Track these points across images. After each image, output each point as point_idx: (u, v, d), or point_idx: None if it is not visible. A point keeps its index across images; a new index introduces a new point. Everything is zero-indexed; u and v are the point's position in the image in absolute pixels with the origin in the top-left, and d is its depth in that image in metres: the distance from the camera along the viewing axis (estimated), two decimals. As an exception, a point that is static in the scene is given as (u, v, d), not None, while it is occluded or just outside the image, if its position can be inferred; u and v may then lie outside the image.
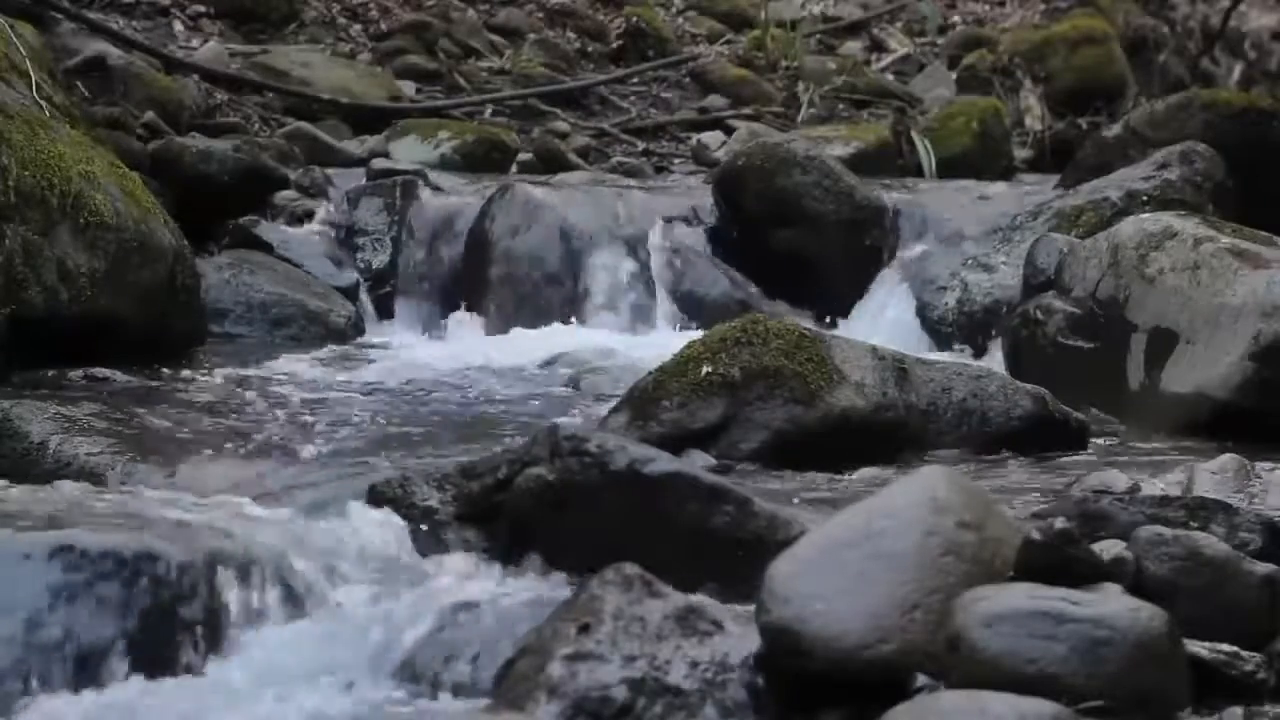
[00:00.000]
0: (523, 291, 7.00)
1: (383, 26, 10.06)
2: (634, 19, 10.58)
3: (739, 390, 4.62)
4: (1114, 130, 7.63)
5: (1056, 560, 3.09)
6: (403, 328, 6.99)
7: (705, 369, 4.66)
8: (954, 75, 10.51)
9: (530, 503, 3.57)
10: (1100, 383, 5.40)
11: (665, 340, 6.33)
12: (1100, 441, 4.99)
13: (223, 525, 3.56)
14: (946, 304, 6.53)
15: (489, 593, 3.42)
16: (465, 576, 3.52)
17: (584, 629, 3.01)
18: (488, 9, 10.53)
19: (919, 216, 7.18)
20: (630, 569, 3.11)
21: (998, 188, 7.94)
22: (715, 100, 9.93)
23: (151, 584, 3.22)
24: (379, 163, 7.83)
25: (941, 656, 2.94)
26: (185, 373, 5.66)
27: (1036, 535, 3.10)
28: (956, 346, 6.39)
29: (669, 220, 7.23)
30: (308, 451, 4.66)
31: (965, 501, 3.15)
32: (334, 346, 6.39)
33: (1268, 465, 4.35)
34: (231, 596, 3.30)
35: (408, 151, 8.33)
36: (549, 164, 8.47)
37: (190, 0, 9.73)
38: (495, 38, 10.28)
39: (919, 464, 4.50)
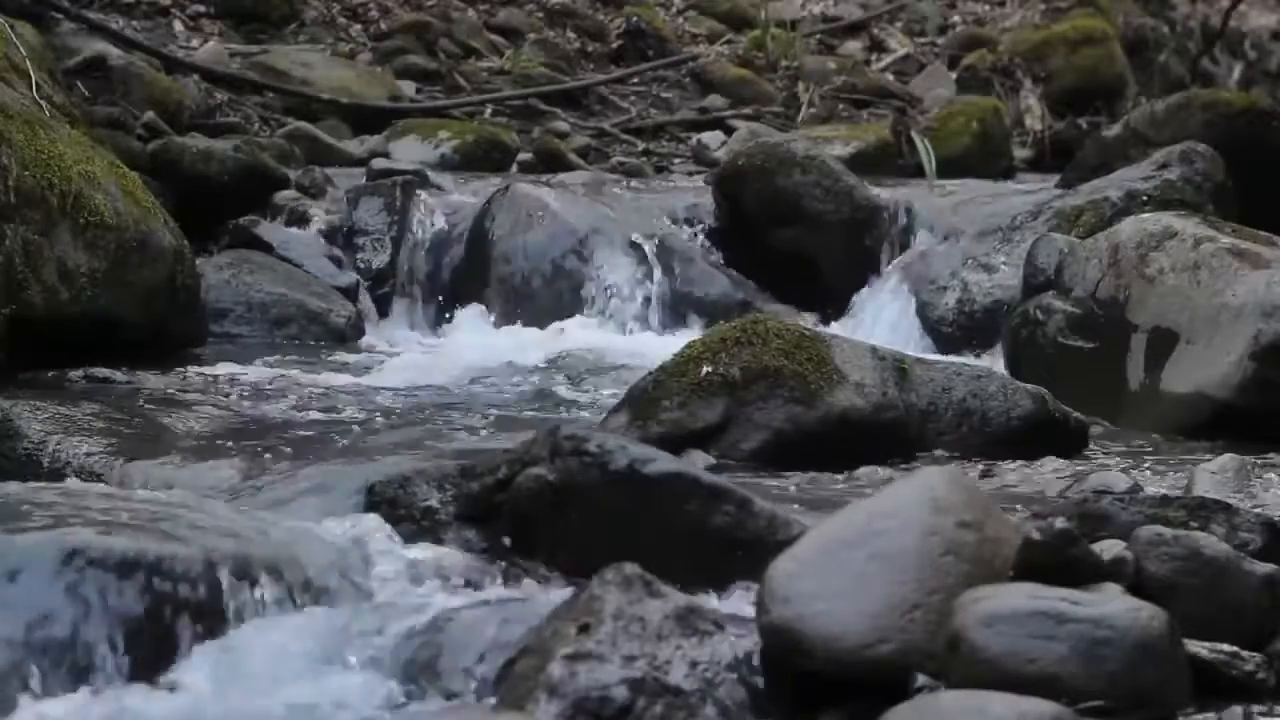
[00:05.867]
0: (522, 291, 6.99)
1: (383, 26, 10.07)
2: (634, 19, 10.59)
3: (739, 390, 4.62)
4: (1114, 130, 7.64)
5: (1056, 560, 3.09)
6: (402, 328, 6.99)
7: (705, 369, 4.66)
8: (954, 75, 10.52)
9: (530, 503, 3.57)
10: (1100, 383, 5.40)
11: (665, 340, 6.34)
12: (1100, 441, 4.99)
13: (222, 525, 3.56)
14: (946, 304, 6.53)
15: (489, 593, 3.42)
16: (465, 576, 3.52)
17: (584, 629, 3.01)
18: (488, 9, 10.53)
19: (919, 216, 7.18)
20: (630, 569, 3.11)
21: (998, 187, 7.94)
22: (715, 100, 9.93)
23: (150, 584, 3.22)
24: (379, 163, 7.84)
25: (941, 656, 2.94)
26: (185, 373, 5.66)
27: (1036, 535, 3.10)
28: (957, 346, 6.39)
29: (669, 220, 7.23)
30: (307, 451, 4.66)
31: (965, 501, 3.15)
32: (334, 346, 6.39)
33: (1268, 465, 4.36)
34: (230, 596, 3.30)
35: (408, 151, 8.34)
36: (549, 164, 8.48)
37: (190, 0, 9.73)
38: (495, 38, 10.29)
39: (919, 464, 4.50)
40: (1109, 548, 3.20)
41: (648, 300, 6.98)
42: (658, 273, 7.03)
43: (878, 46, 11.13)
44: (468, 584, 3.49)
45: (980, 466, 4.60)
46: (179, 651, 3.20)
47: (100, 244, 5.74)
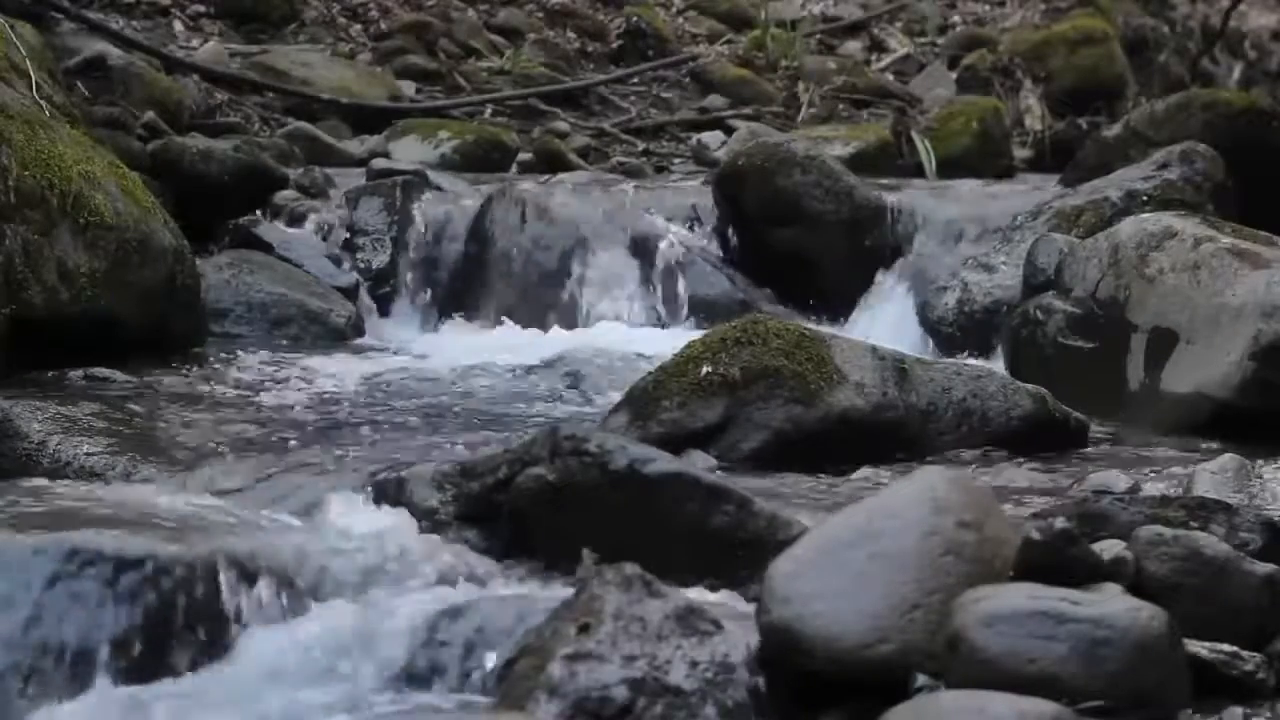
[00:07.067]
0: (522, 291, 7.00)
1: (383, 26, 10.07)
2: (634, 19, 10.59)
3: (739, 390, 4.62)
4: (1114, 130, 7.63)
5: (1056, 560, 3.09)
6: (402, 327, 6.99)
7: (705, 369, 4.66)
8: (954, 75, 10.52)
9: (530, 503, 3.57)
10: (1100, 383, 5.39)
11: (665, 340, 6.34)
12: (1100, 441, 4.99)
13: (223, 525, 3.56)
14: (946, 304, 6.52)
15: (489, 593, 3.42)
16: (465, 576, 3.52)
17: (584, 629, 3.01)
18: (488, 9, 10.53)
19: (919, 216, 7.18)
20: (630, 569, 3.11)
21: (998, 188, 7.93)
22: (715, 100, 9.94)
23: (151, 584, 3.22)
24: (379, 163, 7.83)
25: (941, 656, 2.94)
26: (185, 373, 5.66)
27: (1036, 535, 3.10)
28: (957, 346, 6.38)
29: (669, 220, 7.23)
30: (308, 451, 4.66)
31: (965, 501, 3.15)
32: (334, 346, 6.39)
33: (1268, 465, 4.35)
34: (231, 597, 3.30)
35: (408, 151, 8.34)
36: (549, 164, 8.47)
37: (190, 0, 9.73)
38: (495, 38, 10.29)
39: (919, 464, 4.50)
40: (1109, 548, 3.20)
41: (647, 300, 6.98)
42: (657, 273, 7.03)
43: (878, 46, 11.13)
44: (468, 584, 3.49)
45: (980, 466, 4.60)
46: (179, 651, 3.20)
47: (100, 244, 5.73)
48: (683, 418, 4.62)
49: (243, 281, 6.62)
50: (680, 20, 11.07)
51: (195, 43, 9.34)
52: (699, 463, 4.33)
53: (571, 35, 10.54)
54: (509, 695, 3.00)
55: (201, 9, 9.72)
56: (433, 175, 7.58)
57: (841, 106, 10.03)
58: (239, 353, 6.02)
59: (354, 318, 6.72)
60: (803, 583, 3.04)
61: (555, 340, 6.58)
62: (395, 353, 6.44)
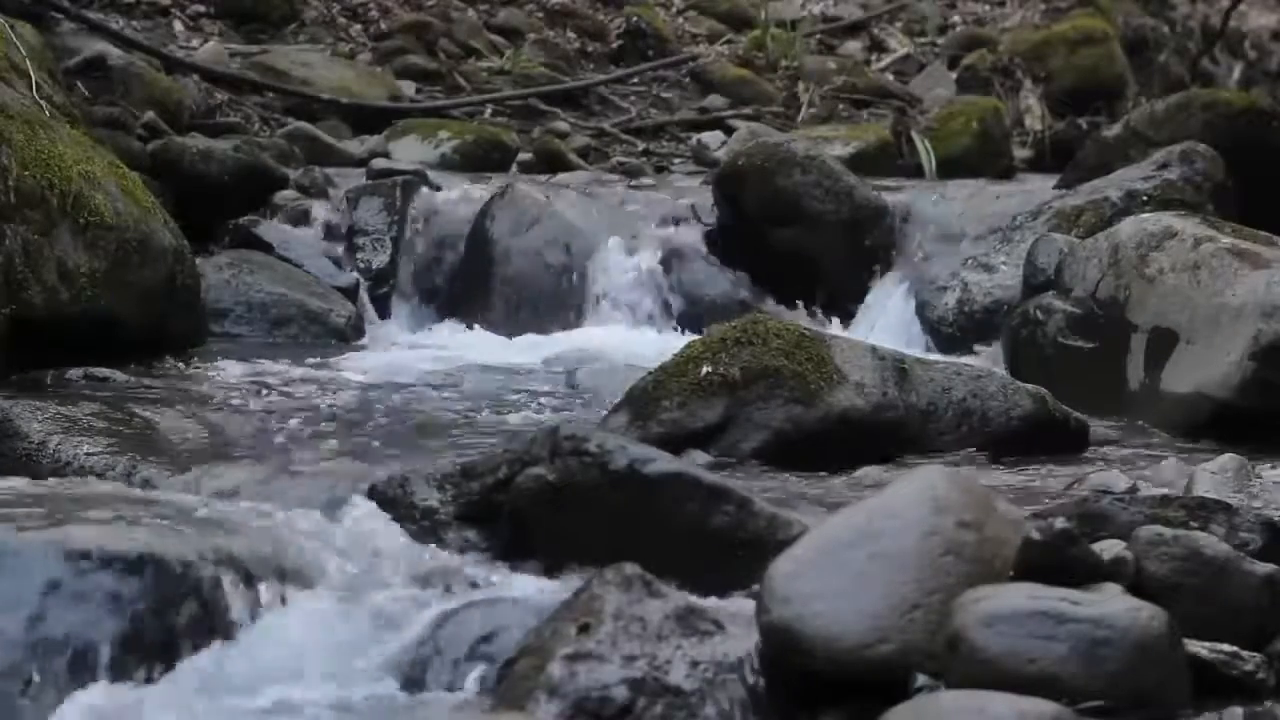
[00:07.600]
0: (522, 291, 7.00)
1: (383, 26, 10.07)
2: (634, 19, 10.59)
3: (739, 390, 4.62)
4: (1114, 130, 7.63)
5: (1056, 560, 3.09)
6: (402, 327, 6.99)
7: (705, 369, 4.66)
8: (954, 75, 10.51)
9: (530, 503, 3.57)
10: (1100, 383, 5.40)
11: (665, 340, 6.34)
12: (1100, 441, 4.99)
13: (222, 525, 3.56)
14: (946, 304, 6.52)
15: (489, 593, 3.42)
16: (465, 576, 3.52)
17: (584, 629, 3.01)
18: (488, 9, 10.53)
19: (919, 216, 7.18)
20: (630, 569, 3.11)
21: (998, 188, 7.94)
22: (715, 100, 9.93)
23: (150, 583, 3.22)
24: (379, 163, 7.83)
25: (941, 656, 2.94)
26: (185, 373, 5.66)
27: (1036, 535, 3.11)
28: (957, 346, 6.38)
29: (669, 220, 7.23)
30: (307, 451, 4.66)
31: (965, 501, 3.15)
32: (334, 346, 6.39)
33: (1268, 465, 4.35)
34: (231, 596, 3.30)
35: (408, 151, 8.34)
36: (549, 164, 8.47)
37: (190, 0, 9.73)
38: (495, 38, 10.29)
39: (919, 464, 4.50)
40: (1109, 548, 3.20)
41: (647, 300, 6.98)
42: (657, 273, 7.03)
43: (878, 46, 11.13)
44: (468, 584, 3.49)
45: (980, 466, 4.60)
46: (179, 649, 3.20)
47: (100, 244, 5.74)
48: (683, 418, 4.62)
49: (243, 281, 6.62)
50: (680, 20, 11.07)
51: (195, 43, 9.34)
52: (699, 463, 4.33)
53: (571, 35, 10.54)
54: (509, 695, 3.00)
55: (201, 9, 9.71)
56: (433, 175, 7.59)
57: (841, 106, 10.03)
58: (239, 353, 6.03)
59: (354, 318, 6.72)
60: (803, 583, 3.04)
61: (555, 340, 6.58)
62: (395, 353, 6.45)
